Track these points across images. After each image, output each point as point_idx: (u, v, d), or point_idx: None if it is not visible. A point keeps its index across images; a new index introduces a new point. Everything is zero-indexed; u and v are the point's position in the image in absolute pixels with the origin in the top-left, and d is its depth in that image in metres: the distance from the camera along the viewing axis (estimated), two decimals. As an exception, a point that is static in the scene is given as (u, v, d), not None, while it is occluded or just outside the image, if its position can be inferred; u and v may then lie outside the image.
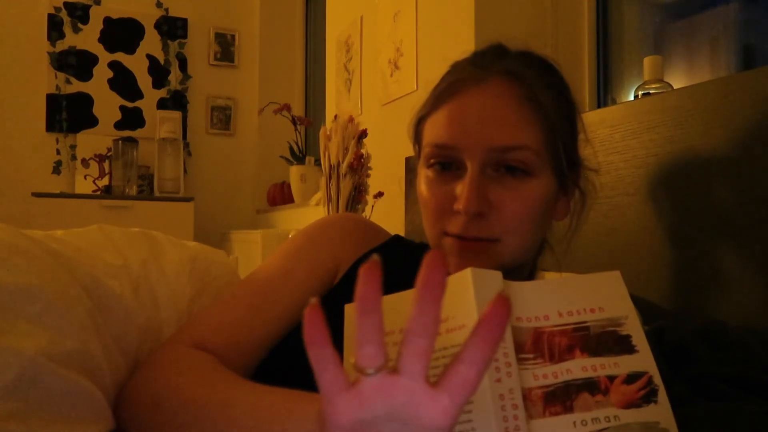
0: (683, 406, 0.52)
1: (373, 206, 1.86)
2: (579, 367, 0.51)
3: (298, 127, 3.03)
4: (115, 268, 0.65)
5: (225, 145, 3.83)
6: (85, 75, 3.49)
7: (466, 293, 0.51)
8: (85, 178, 3.44)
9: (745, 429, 0.43)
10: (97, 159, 3.48)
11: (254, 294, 0.68)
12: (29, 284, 0.50)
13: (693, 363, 0.62)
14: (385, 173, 1.92)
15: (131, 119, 3.59)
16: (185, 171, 3.61)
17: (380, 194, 1.84)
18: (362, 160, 1.86)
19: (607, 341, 0.52)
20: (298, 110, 3.69)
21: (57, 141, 3.44)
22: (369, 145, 1.90)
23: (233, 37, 3.85)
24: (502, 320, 0.34)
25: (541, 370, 0.51)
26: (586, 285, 0.56)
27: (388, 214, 1.88)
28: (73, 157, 3.45)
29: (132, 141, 3.47)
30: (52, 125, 3.42)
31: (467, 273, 0.52)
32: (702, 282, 0.79)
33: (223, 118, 3.83)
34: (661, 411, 0.48)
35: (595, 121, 0.98)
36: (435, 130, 0.68)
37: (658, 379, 0.49)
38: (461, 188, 0.63)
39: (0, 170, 3.31)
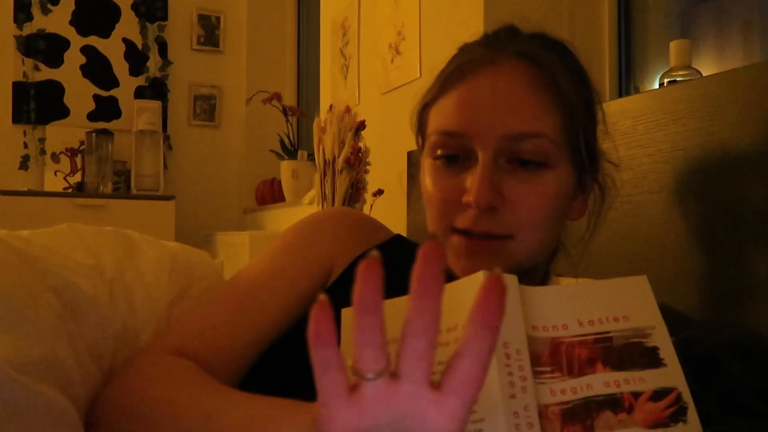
0: (712, 425, 0.52)
1: (372, 205, 1.86)
2: (601, 382, 0.50)
3: (290, 118, 3.03)
4: (87, 269, 0.65)
5: (209, 138, 3.84)
6: (55, 61, 3.50)
7: None
8: (55, 174, 3.45)
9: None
10: (69, 153, 3.49)
11: (240, 296, 0.67)
12: None
13: (724, 378, 0.62)
14: (385, 169, 1.92)
15: (106, 109, 3.59)
16: (165, 166, 3.61)
17: (380, 192, 1.84)
18: (360, 155, 1.86)
19: (631, 354, 0.52)
20: (289, 100, 3.69)
21: (24, 134, 3.44)
22: (367, 138, 1.91)
23: (218, 19, 3.85)
24: (498, 302, 0.33)
25: (559, 384, 0.50)
26: (608, 291, 0.55)
27: (388, 214, 1.88)
28: (42, 152, 3.45)
29: (107, 133, 3.47)
30: (19, 116, 3.42)
31: (479, 276, 0.50)
32: (735, 290, 0.79)
33: (207, 108, 3.83)
34: (690, 431, 0.47)
35: (616, 111, 0.98)
36: (442, 116, 0.67)
37: (687, 397, 0.49)
38: (472, 180, 0.62)
39: (-38, 165, 3.31)
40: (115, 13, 3.63)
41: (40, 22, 3.47)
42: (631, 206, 0.94)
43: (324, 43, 2.76)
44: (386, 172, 1.91)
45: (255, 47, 3.85)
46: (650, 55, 1.56)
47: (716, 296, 0.81)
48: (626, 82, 1.58)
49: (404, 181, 1.69)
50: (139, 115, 3.50)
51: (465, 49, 0.72)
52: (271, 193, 3.37)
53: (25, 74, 3.44)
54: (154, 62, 3.69)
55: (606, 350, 0.52)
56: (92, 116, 3.56)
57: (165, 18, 3.73)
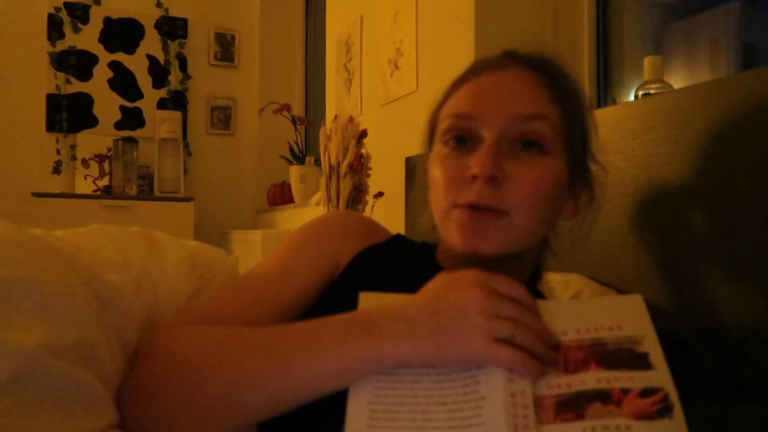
0: (684, 409, 0.52)
1: (373, 206, 1.86)
2: (593, 379, 0.51)
3: (298, 127, 3.03)
4: (116, 264, 0.65)
5: (225, 145, 3.83)
6: (85, 75, 3.49)
7: None
8: (85, 178, 3.44)
9: (744, 430, 0.43)
10: (97, 159, 3.48)
11: (255, 287, 0.67)
12: (26, 277, 0.50)
13: (694, 365, 0.62)
14: (385, 173, 1.92)
15: (131, 119, 3.59)
16: (185, 171, 3.61)
17: (380, 194, 1.83)
18: (362, 160, 1.85)
19: (623, 357, 0.52)
20: (298, 110, 3.69)
21: (57, 141, 3.44)
22: (369, 145, 1.90)
23: (233, 37, 3.85)
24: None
25: (555, 380, 0.51)
26: (605, 306, 0.57)
27: (388, 214, 1.88)
28: (73, 157, 3.45)
29: (132, 141, 3.47)
30: (52, 125, 3.42)
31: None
32: (703, 283, 0.78)
33: (223, 118, 3.83)
34: (676, 428, 0.47)
35: (595, 121, 0.98)
36: (454, 104, 0.68)
37: (674, 398, 0.49)
38: (477, 155, 0.62)
39: (0, 170, 3.31)
40: (140, 32, 3.63)
41: (71, 40, 3.47)
42: (609, 207, 0.94)
43: (329, 58, 2.76)
44: (386, 177, 1.90)
45: (267, 63, 3.85)
46: (626, 69, 1.55)
47: (685, 289, 0.81)
48: (604, 94, 1.58)
49: (402, 184, 1.70)
50: (161, 124, 3.50)
51: (475, 62, 0.73)
52: (281, 195, 3.37)
53: (57, 87, 3.44)
54: (175, 76, 3.69)
55: (600, 353, 0.53)
56: (119, 125, 3.56)
57: (185, 36, 3.73)
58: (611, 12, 1.57)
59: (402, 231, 0.91)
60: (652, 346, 0.52)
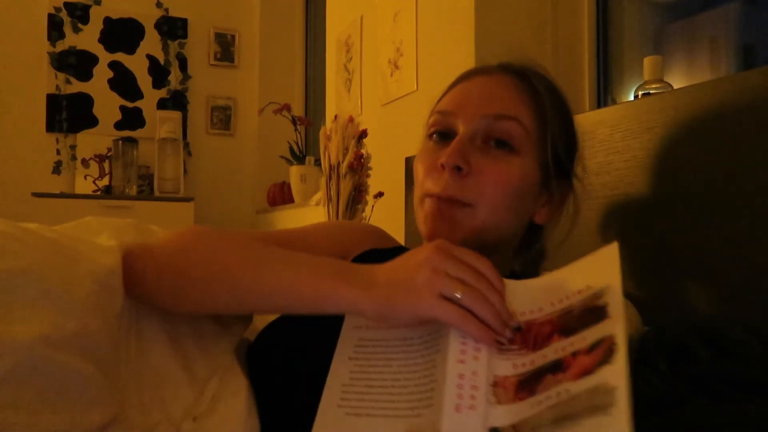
0: (682, 406, 0.52)
1: (373, 206, 1.86)
2: (553, 351, 0.51)
3: (298, 127, 3.03)
4: (110, 249, 0.66)
5: (225, 145, 3.83)
6: (85, 75, 3.50)
7: None
8: (85, 178, 3.44)
9: (744, 429, 0.43)
10: (97, 159, 3.48)
11: (272, 239, 0.73)
12: (24, 269, 0.50)
13: (692, 363, 0.62)
14: (385, 173, 1.92)
15: (131, 119, 3.59)
16: (185, 171, 3.61)
17: (380, 194, 1.84)
18: (362, 160, 1.85)
19: (585, 317, 0.52)
20: (298, 110, 3.69)
21: (57, 141, 3.44)
22: (369, 145, 1.91)
23: (233, 37, 3.85)
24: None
25: (521, 359, 0.51)
26: (579, 268, 0.56)
27: (388, 214, 1.88)
28: (73, 157, 3.45)
29: (132, 141, 3.47)
30: (52, 125, 3.42)
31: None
32: (703, 282, 0.79)
33: (223, 118, 3.83)
34: (613, 370, 0.46)
35: (595, 121, 0.98)
36: (442, 101, 0.74)
37: (620, 339, 0.47)
38: (447, 148, 0.66)
39: (0, 170, 3.31)
40: (140, 32, 3.63)
41: (71, 40, 3.47)
42: (610, 206, 0.94)
43: (329, 58, 2.76)
44: (386, 176, 1.90)
45: (267, 63, 3.85)
46: (626, 69, 1.56)
47: (687, 289, 0.81)
48: (604, 95, 1.58)
49: (402, 184, 1.70)
50: (161, 124, 3.50)
51: (470, 69, 0.79)
52: (281, 195, 3.37)
53: (57, 87, 3.44)
54: (175, 76, 3.69)
55: (565, 321, 0.53)
56: (119, 125, 3.56)
57: (185, 36, 3.73)
58: (611, 12, 1.57)
59: (402, 231, 0.94)
60: (612, 296, 0.51)
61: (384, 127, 2.06)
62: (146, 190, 3.52)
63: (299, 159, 3.06)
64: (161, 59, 3.66)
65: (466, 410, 0.48)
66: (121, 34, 3.58)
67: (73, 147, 3.46)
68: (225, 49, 3.83)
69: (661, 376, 0.63)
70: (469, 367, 0.50)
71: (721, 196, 0.77)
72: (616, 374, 0.45)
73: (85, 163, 3.46)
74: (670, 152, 0.84)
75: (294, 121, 2.96)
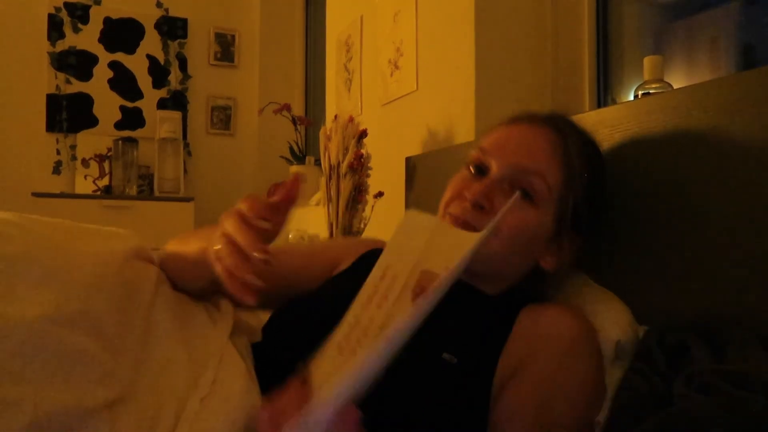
0: (681, 401, 0.52)
1: (373, 206, 1.86)
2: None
3: (298, 127, 3.03)
4: (114, 233, 0.69)
5: (225, 145, 3.83)
6: (85, 75, 3.50)
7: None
8: (85, 178, 3.45)
9: (743, 424, 0.44)
10: (97, 159, 3.48)
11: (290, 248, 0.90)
12: (27, 251, 0.51)
13: (693, 361, 0.62)
14: (385, 173, 1.92)
15: (131, 119, 3.59)
16: (185, 171, 3.61)
17: (380, 194, 1.84)
18: (362, 160, 1.86)
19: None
20: (298, 110, 3.69)
21: (57, 141, 3.44)
22: (369, 145, 1.91)
23: (233, 37, 3.85)
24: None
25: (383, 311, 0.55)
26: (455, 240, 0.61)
27: (388, 214, 1.88)
28: (73, 157, 3.45)
29: (132, 141, 3.47)
30: (52, 125, 3.42)
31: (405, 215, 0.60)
32: (703, 281, 0.79)
33: (223, 118, 3.83)
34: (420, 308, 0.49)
35: (595, 121, 0.98)
36: (487, 139, 0.82)
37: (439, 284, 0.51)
38: (478, 184, 0.75)
39: (0, 170, 3.31)
40: (140, 32, 3.63)
41: (71, 40, 3.47)
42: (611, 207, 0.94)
43: (329, 58, 2.76)
44: (386, 176, 1.91)
45: (267, 62, 3.85)
46: (626, 69, 1.56)
47: (691, 289, 0.81)
48: (604, 95, 1.58)
49: (402, 184, 1.70)
50: (161, 124, 3.50)
51: (517, 113, 0.86)
52: (281, 195, 3.36)
53: (57, 87, 3.44)
54: (175, 76, 3.69)
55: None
56: (119, 125, 3.56)
57: (185, 36, 3.73)
58: (611, 12, 1.57)
59: None
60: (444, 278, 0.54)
61: (384, 127, 2.06)
62: (146, 190, 3.52)
63: (299, 159, 3.06)
64: (161, 59, 3.66)
65: (347, 354, 0.52)
66: (121, 34, 3.58)
67: (73, 147, 3.46)
68: (225, 49, 3.84)
69: (660, 374, 0.64)
70: (369, 314, 0.54)
71: (722, 196, 0.77)
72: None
73: (85, 163, 3.46)
74: (670, 153, 0.84)
75: (294, 121, 2.96)
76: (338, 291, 0.73)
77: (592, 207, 0.80)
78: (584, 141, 0.81)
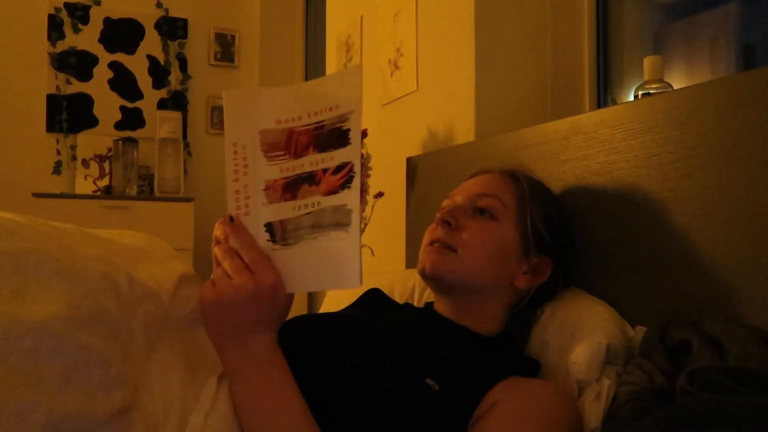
0: (684, 397, 0.52)
1: (373, 206, 1.86)
2: (309, 162, 0.62)
3: (299, 127, 3.02)
4: (116, 234, 0.69)
5: (225, 146, 3.83)
6: (85, 75, 3.50)
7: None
8: (85, 178, 3.44)
9: (746, 421, 0.44)
10: (98, 159, 3.48)
11: None
12: (36, 249, 0.50)
13: (696, 358, 0.62)
14: (386, 173, 1.92)
15: (131, 119, 3.59)
16: (185, 171, 3.61)
17: (380, 194, 1.84)
18: (362, 160, 1.86)
19: (333, 137, 0.62)
20: (298, 110, 3.68)
21: (57, 141, 3.44)
22: (369, 145, 1.91)
23: (233, 37, 3.85)
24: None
25: (286, 164, 0.63)
26: (332, 83, 0.66)
27: (388, 214, 1.88)
28: (74, 158, 3.45)
29: (132, 141, 3.47)
30: (52, 125, 3.42)
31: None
32: (704, 280, 0.79)
33: (223, 118, 3.82)
34: (350, 195, 0.60)
35: (596, 121, 0.98)
36: (451, 192, 0.96)
37: (357, 167, 0.60)
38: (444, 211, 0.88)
39: (0, 170, 3.31)
40: (140, 32, 3.63)
41: (71, 40, 3.47)
42: (610, 206, 0.94)
43: (329, 58, 2.76)
44: (386, 177, 1.91)
45: (267, 63, 3.85)
46: (626, 69, 1.56)
47: (687, 283, 0.81)
48: (604, 95, 1.58)
49: (403, 184, 1.70)
50: (161, 124, 3.50)
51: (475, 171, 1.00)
52: (281, 196, 3.36)
53: (57, 87, 3.44)
54: (175, 76, 3.69)
55: (318, 136, 0.63)
56: (119, 126, 3.56)
57: (185, 36, 3.73)
58: (611, 12, 1.57)
59: (402, 231, 1.04)
60: (354, 122, 0.62)
61: (384, 127, 2.06)
62: (146, 190, 3.52)
63: (299, 159, 3.06)
64: (161, 59, 3.66)
65: (243, 217, 0.62)
66: (121, 34, 3.58)
67: (73, 147, 3.46)
68: (225, 49, 3.84)
69: (662, 370, 0.64)
70: (242, 183, 0.62)
71: (723, 195, 0.77)
72: (353, 198, 0.60)
73: (85, 163, 3.46)
74: (670, 153, 0.84)
75: (294, 121, 2.95)
76: (341, 315, 0.87)
77: (550, 228, 0.90)
78: (532, 179, 0.95)
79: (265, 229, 0.62)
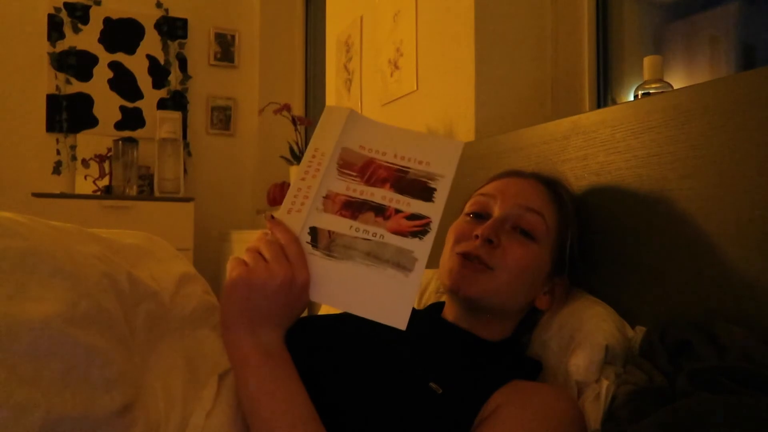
0: (684, 397, 0.52)
1: (373, 206, 1.86)
2: (380, 195, 0.65)
3: (298, 127, 3.03)
4: (117, 233, 0.69)
5: (225, 145, 3.83)
6: (85, 75, 3.50)
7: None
8: (85, 178, 3.44)
9: (746, 421, 0.44)
10: (98, 159, 3.48)
11: None
12: (35, 247, 0.49)
13: (694, 358, 0.62)
14: (386, 173, 1.92)
15: (131, 119, 3.59)
16: (185, 171, 3.61)
17: (380, 194, 1.84)
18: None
19: (416, 187, 0.65)
20: (298, 110, 3.69)
21: (57, 141, 3.44)
22: (369, 145, 1.90)
23: (233, 37, 3.85)
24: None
25: (354, 185, 0.66)
26: (428, 142, 0.69)
27: (388, 214, 1.88)
28: (74, 158, 3.45)
29: (132, 141, 3.47)
30: (52, 125, 3.42)
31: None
32: (704, 279, 0.79)
33: (223, 118, 3.83)
34: (422, 246, 0.62)
35: (595, 121, 0.98)
36: (484, 188, 0.88)
37: (434, 226, 0.63)
38: (485, 225, 0.80)
39: (0, 170, 3.31)
40: (140, 32, 3.63)
41: (71, 40, 3.47)
42: (610, 206, 0.94)
43: (329, 59, 2.76)
44: (386, 176, 1.90)
45: (267, 63, 3.85)
46: (626, 69, 1.56)
47: (690, 291, 0.81)
48: (604, 94, 1.58)
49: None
50: (161, 124, 3.50)
51: (505, 170, 0.93)
52: (281, 195, 3.36)
53: (57, 87, 3.44)
54: (175, 76, 3.69)
55: (399, 178, 0.66)
56: (119, 126, 3.56)
57: (185, 36, 3.73)
58: (611, 12, 1.57)
59: None
60: (443, 186, 0.65)
61: (384, 127, 2.06)
62: (146, 190, 3.52)
63: (299, 159, 3.06)
64: (161, 59, 3.66)
65: (294, 213, 0.64)
66: (121, 34, 3.58)
67: (73, 147, 3.46)
68: (225, 49, 3.83)
69: (662, 370, 0.64)
70: (307, 183, 0.65)
71: (723, 195, 0.77)
72: (422, 250, 0.62)
73: (85, 163, 3.46)
74: (670, 152, 0.84)
75: (294, 121, 2.96)
76: (344, 318, 0.81)
77: (581, 252, 0.87)
78: (571, 193, 0.91)
79: (308, 231, 0.64)
